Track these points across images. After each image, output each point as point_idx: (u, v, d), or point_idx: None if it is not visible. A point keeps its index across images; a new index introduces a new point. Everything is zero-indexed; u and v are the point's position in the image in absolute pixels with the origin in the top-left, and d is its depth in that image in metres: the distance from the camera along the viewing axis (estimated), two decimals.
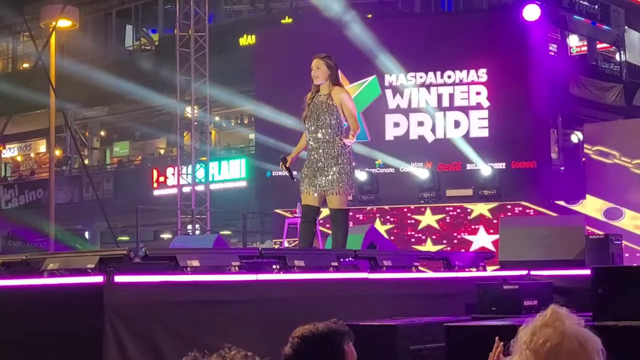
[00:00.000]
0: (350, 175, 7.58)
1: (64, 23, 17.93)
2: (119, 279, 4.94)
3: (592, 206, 15.53)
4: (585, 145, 16.42)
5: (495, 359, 3.20)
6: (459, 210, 17.18)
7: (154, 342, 4.98)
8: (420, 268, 7.68)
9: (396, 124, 18.39)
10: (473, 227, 16.96)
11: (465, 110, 18.12)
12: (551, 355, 2.56)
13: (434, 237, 17.10)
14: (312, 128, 7.61)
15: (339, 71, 7.77)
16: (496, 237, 15.70)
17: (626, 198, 15.39)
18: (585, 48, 26.89)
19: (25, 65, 30.80)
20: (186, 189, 19.26)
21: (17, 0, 22.99)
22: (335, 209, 7.56)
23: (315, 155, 7.58)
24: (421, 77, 18.35)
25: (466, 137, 17.95)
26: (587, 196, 15.56)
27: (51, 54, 17.55)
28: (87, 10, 27.79)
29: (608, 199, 15.51)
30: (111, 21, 30.00)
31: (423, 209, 17.26)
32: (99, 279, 4.92)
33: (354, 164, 7.69)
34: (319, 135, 7.56)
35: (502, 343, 3.14)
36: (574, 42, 26.74)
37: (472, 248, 16.46)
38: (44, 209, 19.71)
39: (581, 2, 25.23)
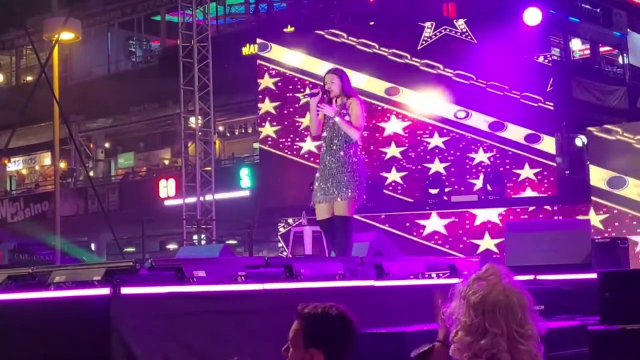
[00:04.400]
0: (360, 183, 7.71)
1: (66, 35, 17.97)
2: (125, 290, 4.94)
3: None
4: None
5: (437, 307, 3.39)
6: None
7: (162, 353, 4.97)
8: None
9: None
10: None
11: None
12: (478, 304, 2.78)
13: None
14: (326, 136, 7.80)
15: (350, 82, 7.98)
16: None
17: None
18: (588, 51, 26.89)
19: (29, 78, 30.89)
20: (191, 199, 19.25)
21: (20, 14, 23.05)
22: (340, 215, 7.65)
23: (327, 163, 7.76)
24: None
25: None
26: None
27: (54, 67, 17.59)
28: (90, 22, 27.89)
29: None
30: (114, 33, 30.09)
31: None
32: (105, 291, 4.92)
33: (364, 172, 7.85)
34: (333, 143, 7.74)
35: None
36: (577, 45, 26.74)
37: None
38: (50, 221, 19.73)
39: (583, 5, 25.22)
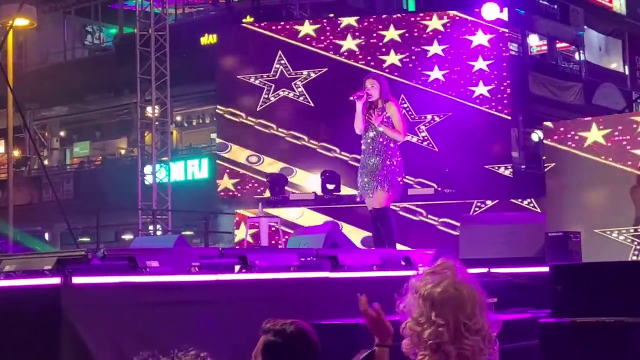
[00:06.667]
0: (396, 175, 8.47)
1: (21, 22, 17.70)
2: (77, 280, 4.88)
3: None
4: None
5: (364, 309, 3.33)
6: None
7: (113, 343, 4.92)
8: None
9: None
10: None
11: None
12: (428, 297, 2.81)
13: None
14: (367, 134, 8.54)
15: (388, 87, 8.71)
16: None
17: None
18: (545, 47, 27.18)
19: None
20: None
21: None
22: (377, 208, 8.39)
23: (368, 159, 8.52)
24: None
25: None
26: None
27: (8, 53, 17.33)
28: (45, 8, 27.48)
29: None
30: (70, 20, 29.71)
31: None
32: (56, 280, 4.85)
33: (403, 170, 8.62)
34: (373, 141, 8.50)
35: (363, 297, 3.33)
36: (534, 41, 27.02)
37: None
38: (3, 210, 19.43)
39: (541, 1, 25.49)
